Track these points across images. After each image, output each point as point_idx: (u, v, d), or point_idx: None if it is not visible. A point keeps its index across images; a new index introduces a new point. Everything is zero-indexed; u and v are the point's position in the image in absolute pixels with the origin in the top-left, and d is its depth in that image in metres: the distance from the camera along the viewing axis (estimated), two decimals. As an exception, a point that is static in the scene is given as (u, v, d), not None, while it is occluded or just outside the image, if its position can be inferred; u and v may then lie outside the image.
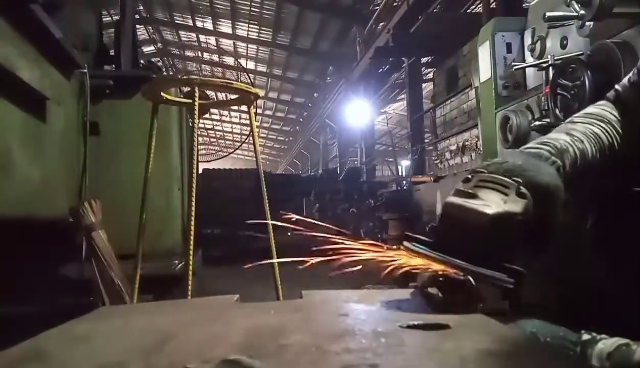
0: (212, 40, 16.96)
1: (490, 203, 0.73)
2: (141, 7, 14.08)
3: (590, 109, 1.06)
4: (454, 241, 0.74)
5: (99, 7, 3.24)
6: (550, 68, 2.77)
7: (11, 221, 1.94)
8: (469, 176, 0.81)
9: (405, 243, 0.80)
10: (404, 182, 9.78)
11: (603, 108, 1.05)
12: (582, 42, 2.67)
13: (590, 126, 0.99)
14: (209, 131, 26.38)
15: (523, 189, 0.74)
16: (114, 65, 3.02)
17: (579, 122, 1.02)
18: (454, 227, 0.74)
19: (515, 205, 0.72)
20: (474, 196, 0.74)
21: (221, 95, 8.56)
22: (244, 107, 2.60)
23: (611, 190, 1.07)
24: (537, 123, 2.92)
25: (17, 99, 1.93)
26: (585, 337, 0.72)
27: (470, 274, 0.72)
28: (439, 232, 0.77)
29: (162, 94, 2.19)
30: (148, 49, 16.72)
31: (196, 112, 2.00)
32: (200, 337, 0.70)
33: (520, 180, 0.76)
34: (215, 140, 27.86)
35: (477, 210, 0.71)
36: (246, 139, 3.14)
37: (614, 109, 1.06)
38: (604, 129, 1.00)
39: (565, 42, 2.90)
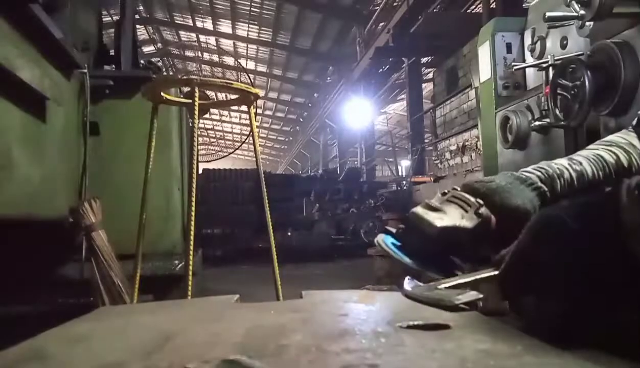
0: (212, 40, 16.96)
1: (446, 217, 0.89)
2: (141, 7, 14.08)
3: (608, 137, 1.12)
4: (413, 242, 0.94)
5: (99, 7, 3.24)
6: (550, 68, 2.77)
7: (11, 221, 1.94)
8: (446, 191, 0.97)
9: (379, 236, 0.99)
10: (404, 182, 9.78)
11: (619, 135, 1.10)
12: (582, 42, 2.67)
13: (596, 151, 1.06)
14: (209, 131, 26.38)
15: (482, 209, 0.89)
16: (114, 65, 3.02)
17: (589, 148, 1.09)
18: (414, 231, 0.93)
19: (467, 222, 0.88)
20: (435, 209, 0.91)
21: (221, 95, 8.57)
22: (244, 107, 2.60)
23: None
24: (537, 123, 2.91)
25: (17, 99, 1.93)
26: None
27: (412, 271, 0.93)
28: (403, 234, 0.98)
29: (162, 94, 2.19)
30: (148, 49, 16.71)
31: (196, 112, 2.00)
32: (200, 337, 0.70)
33: (482, 201, 0.91)
34: (215, 140, 27.86)
35: (430, 222, 0.89)
36: (246, 139, 3.14)
37: (632, 136, 1.08)
38: (611, 151, 1.05)
39: (565, 42, 2.90)
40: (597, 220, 0.70)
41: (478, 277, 0.89)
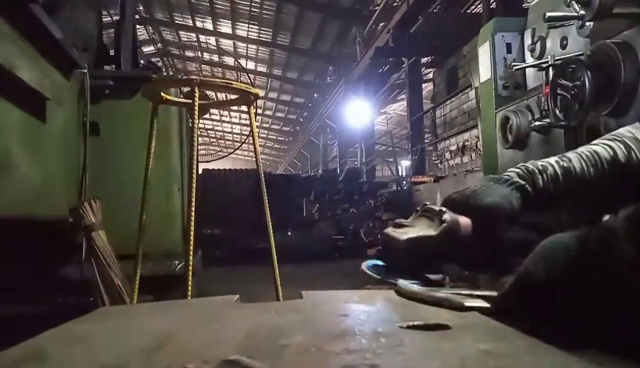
0: (212, 40, 16.96)
1: (412, 230, 0.96)
2: (141, 7, 14.08)
3: (617, 130, 1.11)
4: (389, 259, 1.04)
5: (99, 7, 3.24)
6: (550, 68, 2.77)
7: (11, 221, 1.94)
8: (418, 208, 1.04)
9: (363, 264, 1.07)
10: (404, 182, 9.78)
11: (628, 128, 1.10)
12: (582, 43, 2.67)
13: (593, 146, 1.06)
14: (209, 131, 26.38)
15: (445, 216, 0.94)
16: (114, 66, 3.02)
17: (591, 143, 1.09)
18: (387, 249, 1.02)
19: (432, 230, 0.94)
20: (402, 226, 0.99)
21: (221, 96, 8.56)
22: (244, 107, 2.60)
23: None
24: (537, 123, 2.91)
25: (17, 99, 1.93)
26: None
27: (389, 284, 0.98)
28: (382, 255, 1.08)
29: (162, 94, 2.19)
30: (148, 49, 16.71)
31: (196, 112, 2.00)
32: (200, 337, 0.70)
33: (444, 209, 0.96)
34: (215, 140, 27.86)
35: (396, 237, 0.96)
36: (246, 139, 3.14)
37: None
38: (609, 146, 1.04)
39: (565, 43, 2.90)
40: (598, 248, 0.72)
41: (476, 293, 0.90)
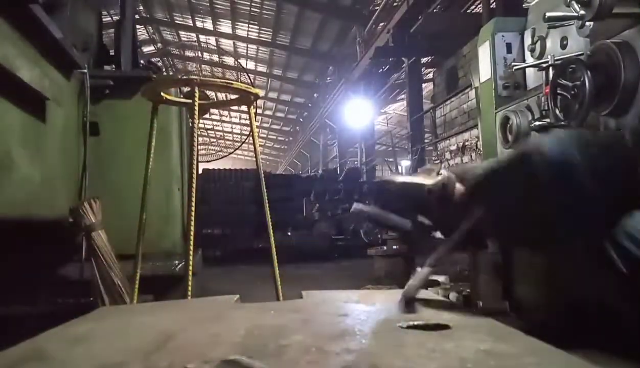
0: (212, 40, 16.95)
1: (409, 178, 1.10)
2: (141, 7, 14.08)
3: None
4: (382, 200, 1.14)
5: (98, 7, 3.24)
6: (550, 68, 2.77)
7: (11, 221, 1.94)
8: (419, 170, 1.17)
9: (355, 204, 1.20)
10: (404, 182, 9.77)
11: None
12: (582, 42, 2.67)
13: None
14: (209, 131, 26.37)
15: (441, 172, 1.08)
16: (113, 66, 3.02)
17: None
18: (382, 190, 1.15)
19: (427, 180, 1.07)
20: (402, 175, 1.12)
21: (221, 95, 8.56)
22: (244, 107, 2.60)
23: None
24: (537, 123, 2.91)
25: (17, 99, 1.93)
26: None
27: (380, 219, 1.10)
28: (376, 194, 1.17)
29: (162, 93, 2.19)
30: (148, 49, 16.69)
31: (196, 112, 2.00)
32: (200, 337, 0.70)
33: (440, 168, 1.10)
34: (215, 140, 27.85)
35: (392, 180, 1.11)
36: (246, 139, 3.13)
37: None
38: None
39: (565, 42, 2.90)
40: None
41: (466, 227, 0.97)
